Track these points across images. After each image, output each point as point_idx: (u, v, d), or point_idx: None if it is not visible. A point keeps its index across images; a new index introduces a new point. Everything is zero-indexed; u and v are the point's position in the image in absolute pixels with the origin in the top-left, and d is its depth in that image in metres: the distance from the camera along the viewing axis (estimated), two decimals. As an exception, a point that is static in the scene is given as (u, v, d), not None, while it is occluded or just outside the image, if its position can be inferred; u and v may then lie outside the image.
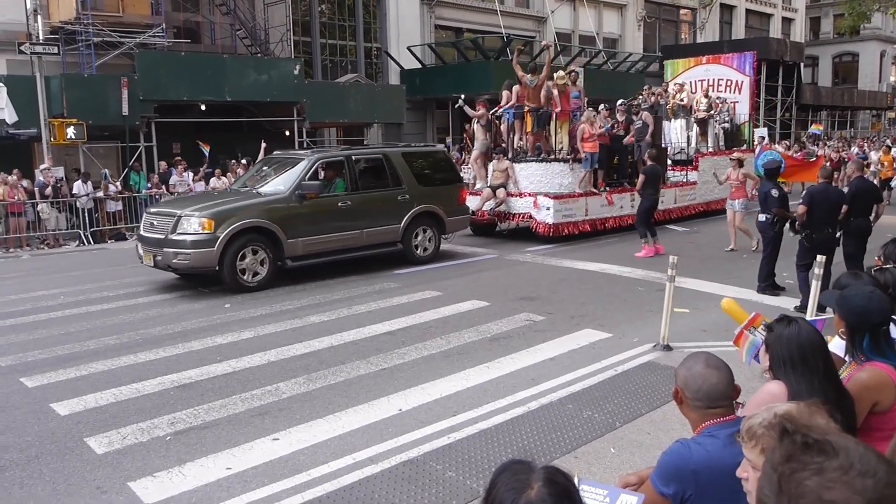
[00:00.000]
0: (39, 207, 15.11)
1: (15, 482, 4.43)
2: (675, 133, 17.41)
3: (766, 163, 11.02)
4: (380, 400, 5.65)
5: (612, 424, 5.06)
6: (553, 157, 14.07)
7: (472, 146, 15.07)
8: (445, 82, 24.79)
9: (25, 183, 15.45)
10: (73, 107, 16.42)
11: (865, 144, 26.49)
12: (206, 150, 18.10)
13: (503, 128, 14.64)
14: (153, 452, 4.81)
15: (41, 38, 16.65)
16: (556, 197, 13.27)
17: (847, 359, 2.87)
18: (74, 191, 15.62)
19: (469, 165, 15.44)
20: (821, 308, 6.11)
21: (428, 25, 27.27)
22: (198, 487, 4.31)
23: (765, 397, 2.57)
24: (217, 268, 9.46)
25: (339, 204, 10.59)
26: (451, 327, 7.70)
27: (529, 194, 13.56)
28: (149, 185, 16.85)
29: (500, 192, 13.68)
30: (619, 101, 16.11)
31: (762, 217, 8.99)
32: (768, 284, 8.98)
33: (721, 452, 2.17)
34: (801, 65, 37.59)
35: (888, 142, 23.23)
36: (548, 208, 13.16)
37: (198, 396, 5.82)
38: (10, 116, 15.63)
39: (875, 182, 14.63)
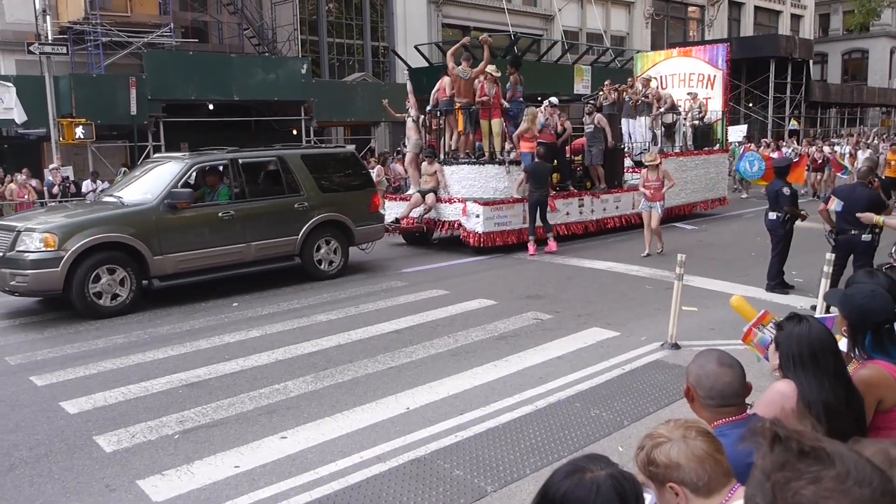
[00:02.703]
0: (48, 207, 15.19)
1: (25, 480, 4.45)
2: (640, 131, 16.02)
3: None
4: (387, 398, 5.65)
5: (620, 423, 5.05)
6: (486, 158, 12.67)
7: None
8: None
9: (34, 182, 15.55)
10: (82, 106, 16.53)
11: (867, 141, 26.14)
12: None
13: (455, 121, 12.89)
14: (162, 451, 4.82)
15: (50, 38, 16.76)
16: (485, 203, 11.92)
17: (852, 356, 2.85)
18: (83, 190, 15.70)
19: (374, 168, 14.37)
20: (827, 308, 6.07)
21: (435, 24, 27.28)
22: (206, 485, 4.32)
23: (774, 396, 2.55)
24: (63, 291, 8.20)
25: (220, 214, 9.31)
26: (459, 326, 7.70)
27: (459, 200, 12.28)
28: (157, 184, 16.91)
29: (430, 198, 12.43)
30: (549, 100, 13.98)
31: (773, 215, 8.93)
32: (777, 283, 8.94)
33: (732, 451, 2.14)
34: (811, 62, 37.40)
35: None
36: (477, 216, 11.84)
37: (206, 395, 5.84)
38: (19, 116, 15.74)
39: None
